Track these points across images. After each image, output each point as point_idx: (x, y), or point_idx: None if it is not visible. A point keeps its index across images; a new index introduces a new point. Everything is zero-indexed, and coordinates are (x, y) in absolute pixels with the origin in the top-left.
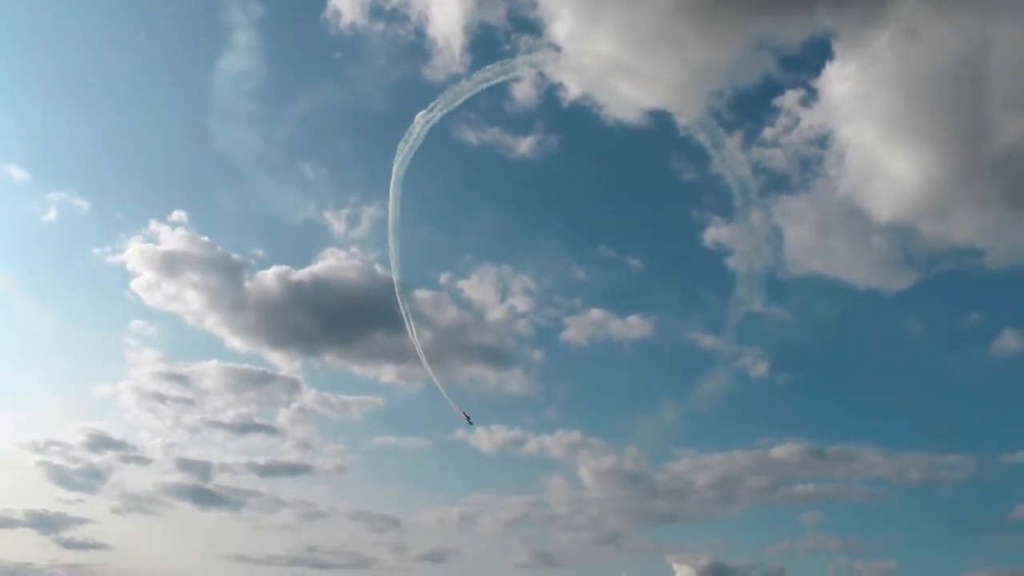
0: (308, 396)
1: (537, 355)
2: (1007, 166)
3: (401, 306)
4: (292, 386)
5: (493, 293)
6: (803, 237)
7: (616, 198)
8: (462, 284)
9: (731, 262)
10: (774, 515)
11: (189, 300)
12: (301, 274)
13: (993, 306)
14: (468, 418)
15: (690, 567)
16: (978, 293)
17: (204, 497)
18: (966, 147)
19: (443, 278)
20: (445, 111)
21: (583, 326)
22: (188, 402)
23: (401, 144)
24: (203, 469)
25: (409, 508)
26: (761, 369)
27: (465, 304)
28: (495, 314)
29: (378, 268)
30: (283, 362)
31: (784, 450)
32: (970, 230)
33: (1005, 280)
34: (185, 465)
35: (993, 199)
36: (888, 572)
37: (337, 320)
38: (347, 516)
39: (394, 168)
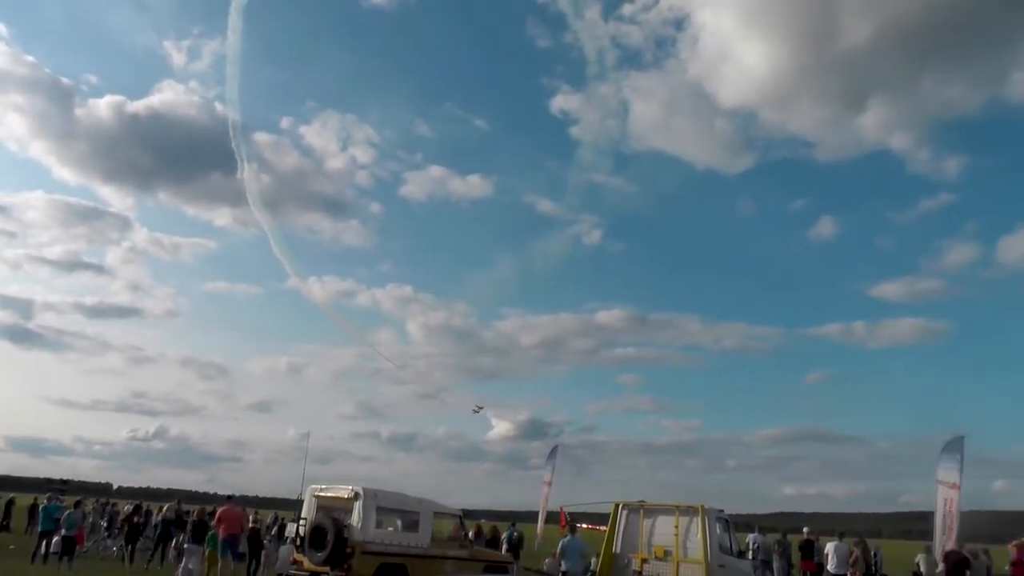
0: (140, 235)
1: (375, 208)
2: (847, 66)
3: (235, 147)
4: (123, 224)
5: (335, 141)
6: (649, 114)
7: (468, 57)
8: (303, 130)
9: (576, 131)
10: (594, 376)
11: (12, 124)
12: (137, 106)
13: (817, 195)
14: (478, 409)
15: (508, 422)
16: (805, 181)
17: (25, 337)
18: (813, 44)
19: (284, 122)
20: None
21: (423, 182)
22: (10, 235)
23: None
24: (24, 307)
25: (238, 356)
26: (595, 236)
27: (305, 151)
28: (335, 163)
29: (218, 107)
30: (115, 197)
31: (609, 315)
32: (806, 122)
33: (831, 172)
34: (4, 302)
35: (831, 96)
36: (692, 429)
37: (173, 157)
38: (176, 362)
39: None
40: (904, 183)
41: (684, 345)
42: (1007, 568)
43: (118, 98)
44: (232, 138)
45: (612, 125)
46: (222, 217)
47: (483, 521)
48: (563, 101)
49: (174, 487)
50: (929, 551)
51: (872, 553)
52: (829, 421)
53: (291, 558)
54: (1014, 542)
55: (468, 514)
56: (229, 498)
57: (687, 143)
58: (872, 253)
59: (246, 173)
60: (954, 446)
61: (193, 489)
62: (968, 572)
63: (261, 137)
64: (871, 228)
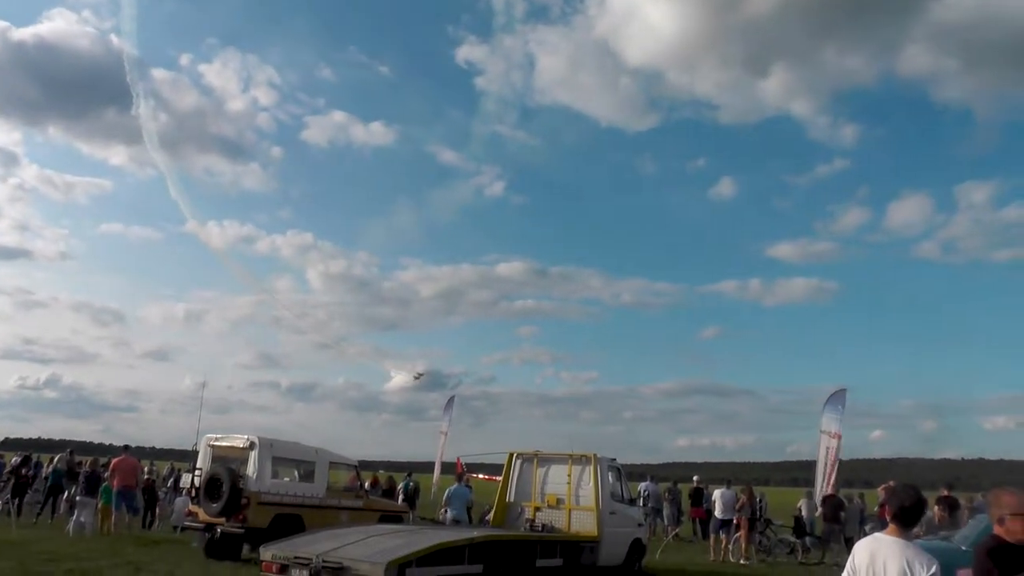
0: (29, 172)
1: (276, 152)
2: (753, 32)
3: (131, 83)
4: (10, 159)
5: (236, 82)
6: (555, 68)
7: (373, 1)
8: (204, 68)
9: (481, 82)
10: (493, 328)
11: None
12: (23, 33)
13: (718, 156)
14: (419, 375)
15: (407, 373)
16: (707, 142)
17: None
18: (720, 8)
19: (184, 59)
20: None
21: (325, 127)
22: None
23: None
24: None
25: (134, 302)
26: (497, 188)
27: (205, 90)
28: (236, 104)
29: (114, 39)
30: None
31: (509, 267)
32: (710, 85)
33: (732, 134)
34: None
35: (735, 61)
36: (589, 381)
37: (65, 90)
38: (68, 307)
39: None
40: (802, 148)
41: (583, 299)
42: (876, 509)
43: (1, 23)
44: (127, 73)
45: (517, 78)
46: (118, 156)
47: (380, 472)
48: (469, 51)
49: (67, 438)
50: (810, 496)
51: (757, 499)
52: (723, 375)
53: (186, 509)
54: (883, 485)
55: (365, 464)
56: (125, 448)
57: (592, 99)
58: (770, 214)
59: (142, 110)
60: (837, 398)
61: (87, 440)
62: (843, 514)
63: (159, 74)
64: (770, 190)
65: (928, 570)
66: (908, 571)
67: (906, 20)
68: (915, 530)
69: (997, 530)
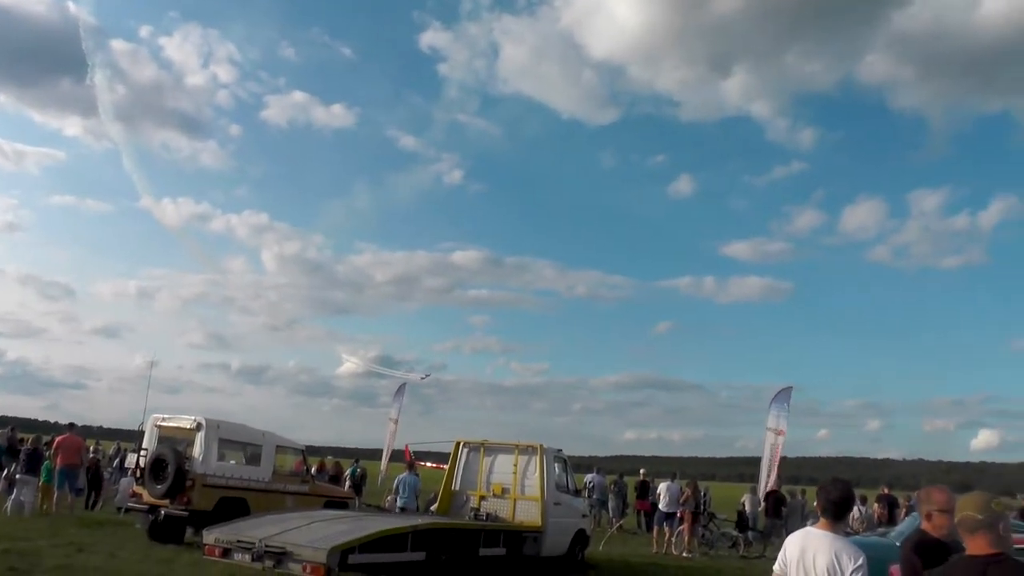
0: None
1: (234, 130)
2: (717, 32)
3: (86, 52)
4: None
5: (196, 57)
6: (518, 58)
7: None
8: (164, 41)
9: (443, 69)
10: (446, 316)
11: None
12: None
13: (678, 152)
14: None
15: (358, 358)
16: (668, 139)
17: None
18: (686, 6)
19: (144, 31)
20: None
21: (285, 107)
22: None
23: None
24: None
25: (84, 277)
26: (456, 176)
27: (165, 63)
28: (195, 79)
29: (71, 6)
30: None
31: (465, 256)
32: (673, 82)
33: (693, 132)
34: None
35: (698, 59)
36: (540, 372)
37: (17, 56)
38: (16, 280)
39: None
40: (761, 149)
41: (537, 290)
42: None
43: None
44: (83, 41)
45: (480, 66)
46: (72, 126)
47: (327, 457)
48: (433, 37)
49: (10, 414)
50: (754, 491)
51: (702, 493)
52: (674, 369)
53: (131, 490)
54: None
55: (313, 449)
56: (70, 426)
57: (554, 91)
58: (726, 213)
59: (97, 79)
60: (783, 396)
61: (32, 417)
62: (784, 509)
63: (117, 44)
64: (727, 189)
65: (855, 562)
66: (836, 563)
67: (867, 28)
68: (852, 524)
69: (924, 525)
